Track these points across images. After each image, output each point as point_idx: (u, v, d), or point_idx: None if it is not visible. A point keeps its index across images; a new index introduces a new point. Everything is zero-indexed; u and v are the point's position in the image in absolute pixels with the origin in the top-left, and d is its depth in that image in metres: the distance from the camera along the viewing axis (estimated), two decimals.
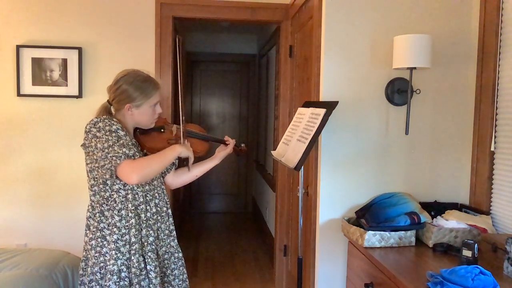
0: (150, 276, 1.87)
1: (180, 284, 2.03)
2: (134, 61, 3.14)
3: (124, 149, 1.73)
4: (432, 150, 2.44)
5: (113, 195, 1.82)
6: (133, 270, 1.82)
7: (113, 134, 1.75)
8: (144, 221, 1.88)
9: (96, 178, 1.82)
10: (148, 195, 1.91)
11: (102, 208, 1.83)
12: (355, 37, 2.35)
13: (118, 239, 1.81)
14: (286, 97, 3.46)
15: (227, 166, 6.22)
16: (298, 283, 2.37)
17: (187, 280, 2.07)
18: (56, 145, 3.20)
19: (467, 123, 2.42)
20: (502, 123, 2.19)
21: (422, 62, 2.12)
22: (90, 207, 1.89)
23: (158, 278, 1.89)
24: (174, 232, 2.04)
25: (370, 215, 2.18)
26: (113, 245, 1.80)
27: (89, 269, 1.84)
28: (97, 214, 1.84)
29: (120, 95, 1.85)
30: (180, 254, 2.05)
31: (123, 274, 1.81)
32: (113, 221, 1.82)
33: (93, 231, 1.84)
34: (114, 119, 1.80)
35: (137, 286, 1.82)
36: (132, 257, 1.83)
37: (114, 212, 1.82)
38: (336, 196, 2.39)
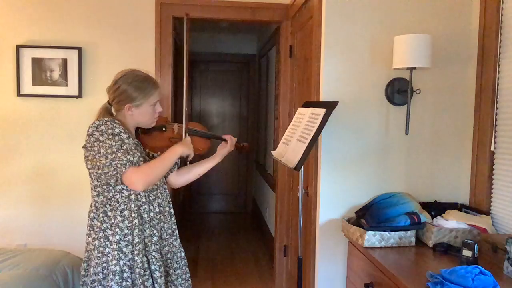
0: (155, 275, 1.87)
1: (183, 283, 2.03)
2: (134, 61, 3.13)
3: (128, 156, 1.73)
4: (432, 150, 2.44)
5: (116, 195, 1.82)
6: (137, 270, 1.82)
7: (116, 138, 1.74)
8: (148, 221, 1.89)
9: (99, 179, 1.82)
10: (151, 195, 1.91)
11: (105, 209, 1.83)
12: (355, 37, 2.35)
13: (121, 239, 1.81)
14: (286, 97, 3.46)
15: (227, 166, 6.22)
16: (298, 283, 2.37)
17: (189, 279, 2.07)
18: (56, 145, 3.20)
19: (467, 123, 2.42)
20: (502, 123, 2.19)
21: (422, 62, 2.12)
22: (93, 207, 1.88)
23: (163, 278, 1.90)
24: (177, 232, 2.04)
25: (370, 215, 2.18)
26: (115, 245, 1.80)
27: (91, 269, 1.84)
28: (101, 215, 1.84)
29: (120, 96, 1.85)
30: (183, 254, 2.05)
31: (125, 275, 1.80)
32: (115, 221, 1.82)
33: (96, 231, 1.84)
34: (116, 121, 1.79)
35: (141, 286, 1.82)
36: (136, 257, 1.82)
37: (117, 212, 1.82)
38: (336, 196, 2.39)
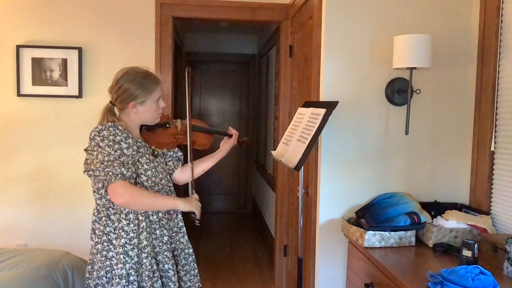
0: (168, 274, 1.89)
1: (191, 279, 2.03)
2: (134, 61, 3.09)
3: (122, 169, 1.72)
4: (432, 150, 2.44)
5: None
6: (146, 273, 1.81)
7: (116, 146, 1.73)
8: (157, 222, 1.89)
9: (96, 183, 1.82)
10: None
11: (108, 212, 1.82)
12: (355, 37, 2.35)
13: (126, 243, 1.79)
14: (286, 97, 3.46)
15: (227, 166, 6.22)
16: (298, 283, 2.37)
17: (198, 275, 2.07)
18: (56, 145, 3.20)
19: (467, 123, 2.42)
20: (502, 123, 2.19)
21: (422, 62, 2.12)
22: (95, 210, 1.87)
23: (176, 275, 1.91)
24: (184, 229, 2.04)
25: (370, 215, 2.18)
26: (120, 249, 1.79)
27: (95, 273, 1.83)
28: (103, 218, 1.82)
29: (123, 94, 1.84)
30: (191, 250, 2.05)
31: (131, 278, 1.79)
32: (120, 225, 1.80)
33: (99, 235, 1.82)
34: (119, 128, 1.78)
35: None
36: (144, 260, 1.82)
37: (121, 216, 1.81)
38: (336, 196, 2.39)
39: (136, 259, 1.81)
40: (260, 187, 5.67)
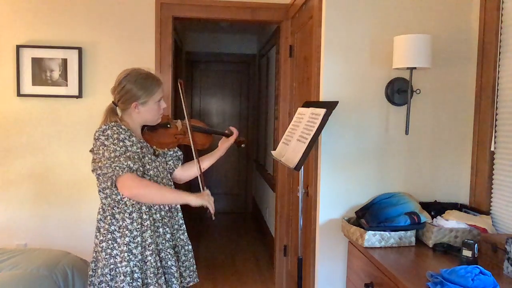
0: (172, 271, 1.94)
1: (191, 274, 2.09)
2: (134, 61, 3.13)
3: (129, 162, 1.75)
4: (432, 150, 2.44)
5: (123, 198, 1.84)
6: (151, 270, 1.85)
7: (121, 144, 1.77)
8: (160, 220, 1.93)
9: (99, 180, 1.85)
10: None
11: (113, 211, 1.86)
12: (355, 37, 2.35)
13: (130, 241, 1.83)
14: (286, 97, 3.46)
15: (227, 166, 6.22)
16: (298, 283, 2.37)
17: (196, 270, 2.12)
18: (56, 145, 3.20)
19: (467, 123, 2.42)
20: (502, 123, 2.19)
21: (422, 62, 2.12)
22: (101, 209, 1.90)
23: (178, 272, 1.97)
24: (184, 226, 2.08)
25: (370, 215, 2.18)
26: (124, 247, 1.83)
27: (99, 270, 1.87)
28: (108, 217, 1.86)
29: (125, 95, 1.87)
30: (190, 247, 2.09)
31: (135, 275, 1.83)
32: (124, 223, 1.84)
33: (104, 234, 1.86)
34: (122, 127, 1.82)
35: (156, 285, 1.85)
36: (149, 257, 1.85)
37: (125, 215, 1.85)
38: (336, 196, 2.39)
39: (140, 257, 1.85)
40: (260, 187, 5.67)
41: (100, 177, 1.80)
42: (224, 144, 2.22)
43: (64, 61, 3.15)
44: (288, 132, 2.41)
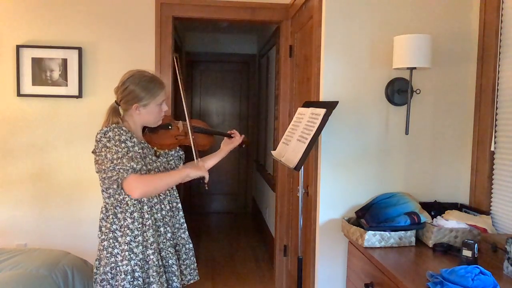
0: (172, 269, 1.97)
1: (191, 272, 2.11)
2: (134, 61, 3.13)
3: (132, 163, 1.76)
4: (432, 150, 2.44)
5: (125, 198, 1.86)
6: (154, 268, 1.88)
7: (123, 145, 1.78)
8: (161, 220, 1.96)
9: (104, 183, 1.86)
10: (161, 194, 1.97)
11: (116, 211, 1.87)
12: (355, 37, 2.35)
13: (131, 240, 1.85)
14: (286, 97, 3.46)
15: (227, 166, 6.22)
16: (298, 283, 2.37)
17: (196, 268, 2.14)
18: (56, 145, 3.20)
19: (467, 123, 2.42)
20: (502, 123, 2.19)
21: (422, 62, 2.12)
22: (103, 208, 1.92)
23: (179, 270, 2.00)
24: (185, 225, 2.10)
25: (370, 215, 2.18)
26: (125, 246, 1.84)
27: (101, 268, 1.89)
28: (110, 216, 1.88)
29: (128, 96, 1.89)
30: (191, 245, 2.11)
31: (136, 274, 1.85)
32: (125, 223, 1.86)
33: (106, 232, 1.88)
34: (124, 128, 1.83)
35: (158, 283, 1.87)
36: (151, 256, 1.88)
37: (127, 214, 1.86)
38: (336, 196, 2.39)
39: (141, 256, 1.87)
40: (260, 187, 5.67)
41: (106, 180, 1.81)
42: (228, 146, 2.25)
43: (64, 61, 3.15)
44: (288, 132, 2.41)
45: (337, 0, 2.33)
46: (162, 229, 1.96)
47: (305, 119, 2.24)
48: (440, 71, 2.40)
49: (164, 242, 1.96)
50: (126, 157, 1.76)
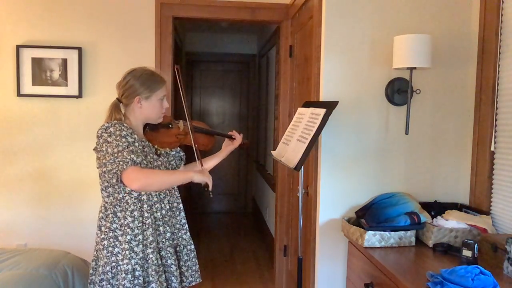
0: (171, 269, 1.96)
1: (193, 274, 2.09)
2: (134, 61, 3.11)
3: (132, 155, 1.76)
4: (432, 150, 2.44)
5: (125, 196, 1.86)
6: (153, 267, 1.87)
7: (123, 140, 1.79)
8: (160, 219, 1.95)
9: (105, 178, 1.85)
10: (161, 193, 1.97)
11: (115, 210, 1.87)
12: (355, 37, 2.35)
13: (132, 239, 1.85)
14: (286, 97, 3.46)
15: (227, 166, 6.22)
16: (298, 283, 2.37)
17: (198, 270, 2.13)
18: (56, 145, 3.20)
19: (467, 123, 2.42)
20: (502, 123, 2.19)
21: (422, 62, 2.12)
22: (102, 208, 1.92)
23: (178, 271, 1.99)
24: (186, 226, 2.09)
25: (370, 215, 2.18)
26: (126, 245, 1.84)
27: (100, 268, 1.88)
28: (110, 215, 1.87)
29: (129, 89, 1.91)
30: (192, 246, 2.10)
31: (137, 273, 1.85)
32: (125, 222, 1.86)
33: (105, 232, 1.88)
34: (125, 124, 1.84)
35: (157, 282, 1.87)
36: (150, 255, 1.88)
37: (127, 213, 1.86)
38: (336, 196, 2.39)
39: (141, 255, 1.87)
40: (260, 187, 5.67)
41: (106, 175, 1.80)
42: (228, 147, 2.25)
43: (64, 61, 3.15)
44: (288, 132, 2.41)
45: (337, 0, 2.33)
46: (161, 228, 1.95)
47: (305, 119, 2.24)
48: (440, 71, 2.40)
49: (163, 241, 1.95)
50: (127, 150, 1.76)
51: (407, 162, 2.42)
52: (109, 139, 1.79)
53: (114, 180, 1.78)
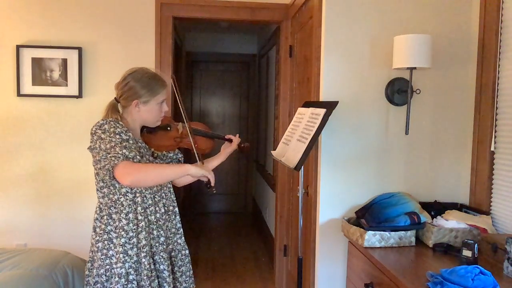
0: (163, 275, 1.90)
1: (187, 280, 2.04)
2: (134, 61, 3.13)
3: (124, 150, 1.70)
4: (432, 150, 2.44)
5: (120, 198, 1.82)
6: (145, 272, 1.83)
7: (117, 136, 1.73)
8: (154, 222, 1.89)
9: (105, 180, 1.81)
10: (156, 196, 1.91)
11: (110, 211, 1.83)
12: (355, 37, 2.35)
13: (126, 242, 1.81)
14: (286, 97, 3.46)
15: (227, 166, 6.21)
16: (298, 283, 2.37)
17: (193, 276, 2.09)
18: (56, 145, 3.20)
19: (467, 123, 2.42)
20: (502, 123, 2.19)
21: (422, 62, 2.12)
22: (98, 209, 1.87)
23: (171, 276, 1.92)
24: (181, 230, 2.05)
25: (370, 215, 2.18)
26: (120, 248, 1.80)
27: (94, 270, 1.85)
28: (105, 217, 1.83)
29: (128, 92, 1.84)
30: (187, 251, 2.06)
31: (130, 277, 1.81)
32: (120, 224, 1.81)
33: (100, 233, 1.84)
34: (120, 123, 1.79)
35: (149, 287, 1.83)
36: (143, 259, 1.83)
37: (121, 215, 1.82)
38: (336, 196, 2.39)
39: (135, 258, 1.82)
40: (260, 187, 5.67)
41: (100, 171, 1.74)
42: (227, 149, 2.19)
43: (64, 61, 3.15)
44: (288, 132, 2.41)
45: (337, 0, 2.33)
46: (155, 232, 1.89)
47: (305, 119, 2.24)
48: (440, 71, 2.40)
49: (157, 246, 1.90)
50: (119, 145, 1.70)
51: (407, 162, 2.42)
52: (102, 135, 1.73)
53: (108, 177, 1.73)
